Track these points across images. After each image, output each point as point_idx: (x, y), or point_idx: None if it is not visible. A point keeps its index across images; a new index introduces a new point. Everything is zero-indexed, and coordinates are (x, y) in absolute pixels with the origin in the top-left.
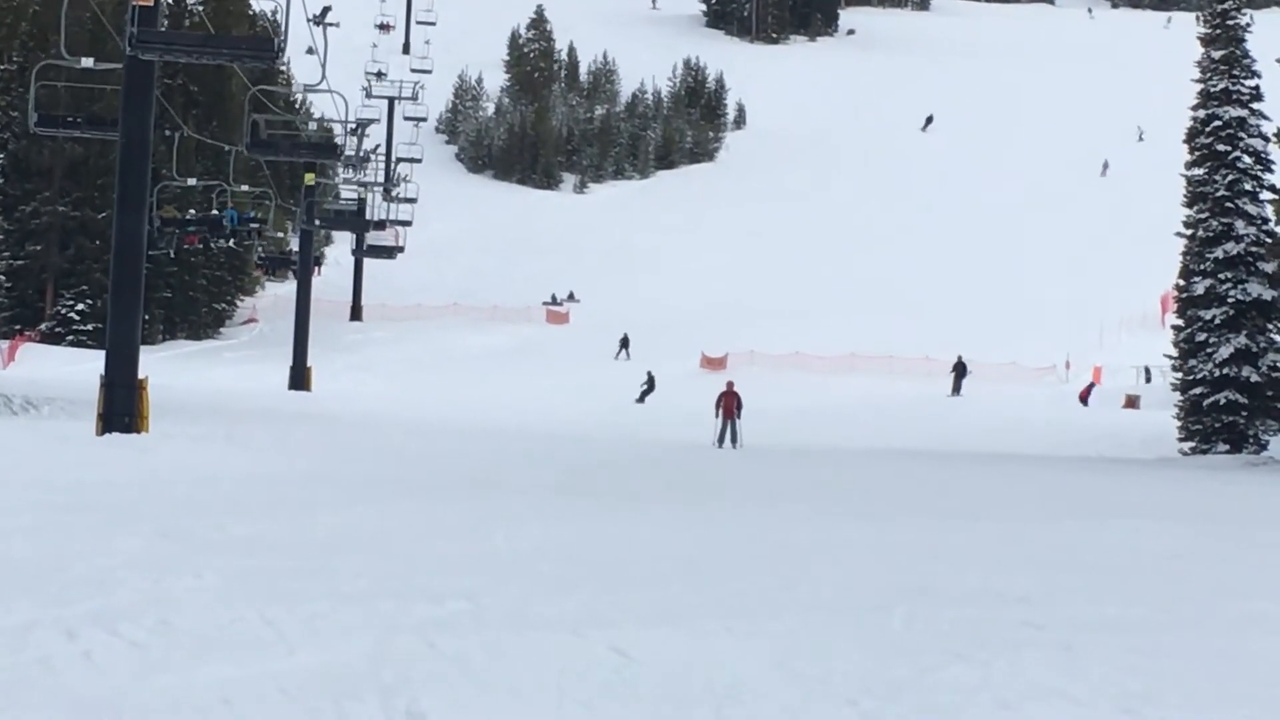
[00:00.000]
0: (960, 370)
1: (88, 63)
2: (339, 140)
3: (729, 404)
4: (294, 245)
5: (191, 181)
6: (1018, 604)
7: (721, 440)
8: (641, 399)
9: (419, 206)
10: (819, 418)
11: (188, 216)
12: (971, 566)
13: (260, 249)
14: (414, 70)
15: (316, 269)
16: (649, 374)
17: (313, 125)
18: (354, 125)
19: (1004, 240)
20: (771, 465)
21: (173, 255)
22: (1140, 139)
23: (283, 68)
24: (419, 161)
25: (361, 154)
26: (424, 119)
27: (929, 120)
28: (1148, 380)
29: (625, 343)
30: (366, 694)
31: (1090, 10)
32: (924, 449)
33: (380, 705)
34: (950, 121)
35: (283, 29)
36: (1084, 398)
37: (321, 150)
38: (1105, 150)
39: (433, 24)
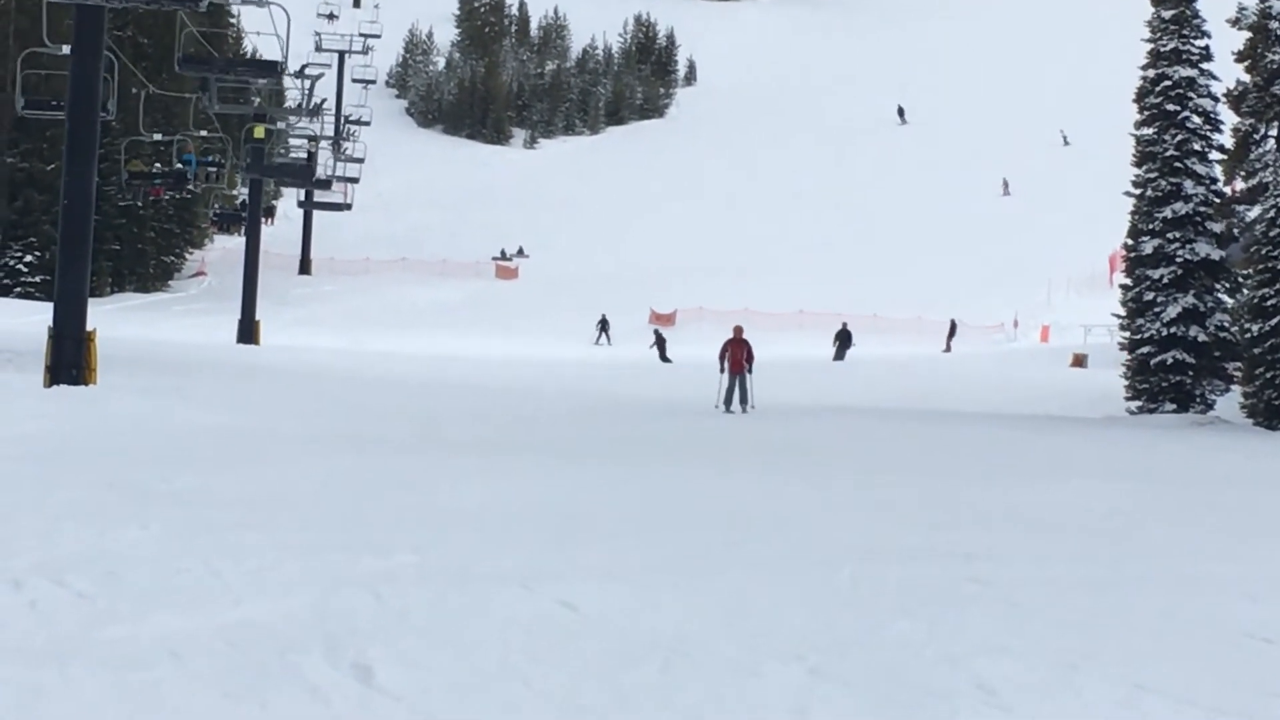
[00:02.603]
0: (844, 339)
1: (67, 49)
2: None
3: (737, 355)
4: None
5: (157, 136)
6: (963, 561)
7: (729, 401)
8: (665, 357)
9: (368, 160)
10: (765, 373)
11: (153, 170)
12: (918, 524)
13: (215, 206)
14: (362, 35)
15: (269, 219)
16: (656, 332)
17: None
18: (301, 69)
19: (953, 199)
20: (718, 422)
21: (140, 206)
22: (1065, 141)
23: (232, 19)
24: (368, 124)
25: (312, 105)
26: (373, 81)
27: (901, 112)
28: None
29: (604, 325)
30: (312, 646)
31: None
32: (869, 406)
33: (325, 657)
34: (898, 81)
35: None
36: None
37: (262, 68)
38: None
39: None
